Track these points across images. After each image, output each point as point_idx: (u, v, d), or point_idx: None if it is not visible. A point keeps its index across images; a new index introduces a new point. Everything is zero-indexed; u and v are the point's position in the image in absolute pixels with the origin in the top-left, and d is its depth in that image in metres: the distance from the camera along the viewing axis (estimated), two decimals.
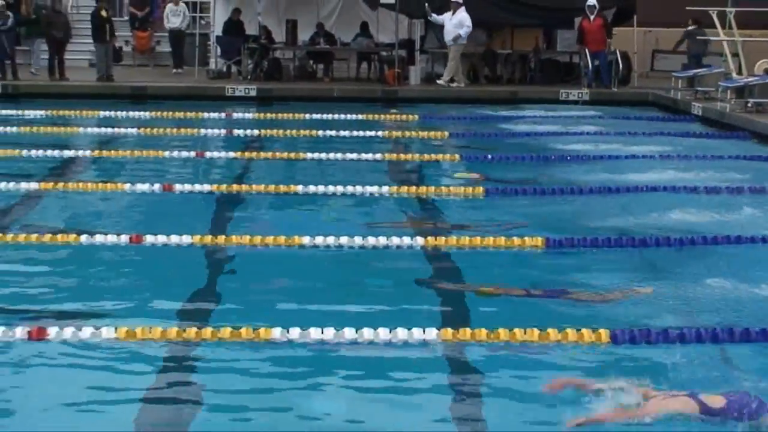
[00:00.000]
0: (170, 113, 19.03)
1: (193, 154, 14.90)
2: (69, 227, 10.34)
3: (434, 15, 22.50)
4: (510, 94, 22.36)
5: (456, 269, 9.14)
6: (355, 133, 16.87)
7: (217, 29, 24.36)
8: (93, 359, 6.78)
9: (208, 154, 14.92)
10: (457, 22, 22.16)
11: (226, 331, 7.07)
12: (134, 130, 17.27)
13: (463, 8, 22.15)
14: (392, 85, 22.44)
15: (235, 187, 12.63)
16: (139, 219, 11.04)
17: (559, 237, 9.95)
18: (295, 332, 7.10)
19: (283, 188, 12.29)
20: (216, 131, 17.41)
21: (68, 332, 7.07)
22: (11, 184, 12.28)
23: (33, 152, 14.64)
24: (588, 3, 22.11)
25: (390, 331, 7.09)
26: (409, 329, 7.12)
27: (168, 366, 6.67)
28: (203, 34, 25.17)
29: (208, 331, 7.13)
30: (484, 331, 7.14)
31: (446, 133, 17.49)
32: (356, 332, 7.10)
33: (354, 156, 14.65)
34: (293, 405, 6.11)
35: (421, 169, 14.14)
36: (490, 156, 15.00)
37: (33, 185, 12.42)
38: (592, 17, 22.21)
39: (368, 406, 6.13)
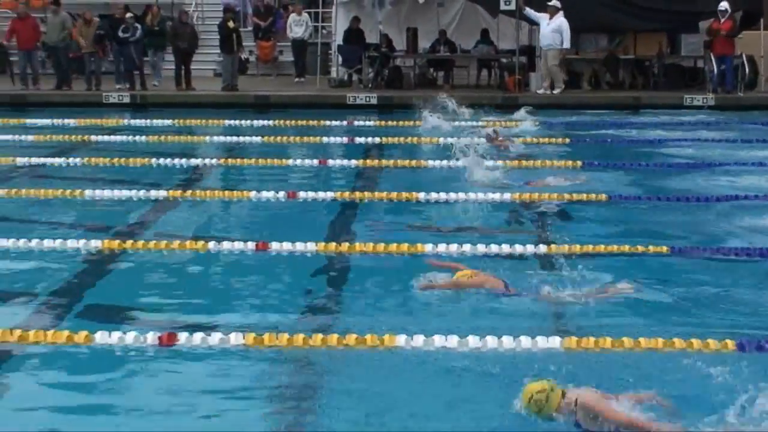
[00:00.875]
0: (293, 122, 19.33)
1: (315, 162, 15.10)
2: (196, 234, 10.60)
3: (529, 10, 22.19)
4: (633, 100, 22.04)
5: (579, 276, 9.05)
6: (475, 140, 16.83)
7: (339, 38, 24.63)
8: (221, 365, 6.93)
9: (330, 162, 15.11)
10: (555, 27, 21.84)
11: (351, 338, 7.15)
12: (258, 139, 17.59)
13: (561, 13, 21.82)
14: (513, 91, 22.34)
15: (357, 194, 12.74)
16: (264, 226, 11.23)
17: (683, 245, 9.80)
18: (419, 340, 7.14)
19: (405, 195, 12.37)
20: (337, 139, 17.60)
21: (197, 338, 7.25)
22: (141, 192, 12.65)
23: (161, 161, 15.06)
24: (720, 7, 21.64)
25: (513, 339, 7.09)
26: (533, 338, 7.10)
27: (294, 371, 6.78)
28: (325, 44, 25.47)
29: (333, 338, 7.21)
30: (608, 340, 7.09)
31: (567, 140, 17.33)
32: (480, 341, 7.10)
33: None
34: (423, 411, 6.14)
35: (542, 176, 14.03)
36: (612, 163, 14.83)
37: (162, 193, 12.76)
38: (722, 20, 21.74)
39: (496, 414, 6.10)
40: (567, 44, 21.97)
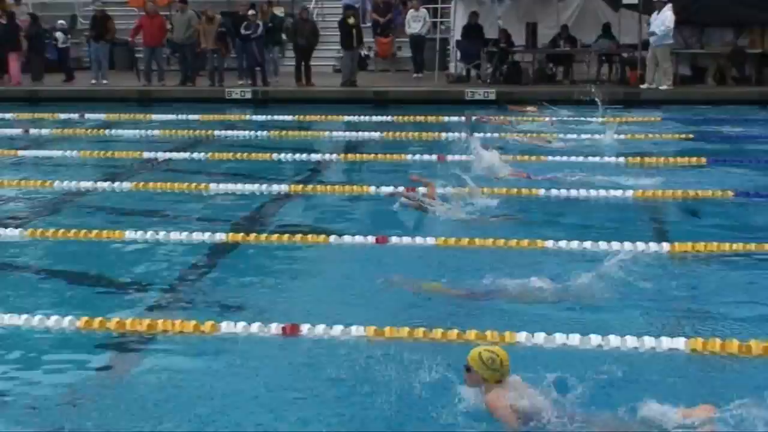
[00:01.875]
0: (411, 117, 19.38)
1: (434, 157, 15.11)
2: (316, 228, 10.74)
3: None
4: (759, 95, 21.43)
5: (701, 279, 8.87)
6: (595, 136, 16.62)
7: (457, 34, 24.59)
8: (342, 357, 7.00)
9: (449, 157, 15.09)
10: (659, 22, 21.32)
11: (471, 334, 7.14)
12: (377, 134, 17.68)
13: (668, 6, 21.21)
14: (635, 86, 21.97)
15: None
16: (383, 220, 11.29)
17: None
18: (539, 337, 7.11)
19: (524, 191, 12.29)
20: (455, 134, 17.58)
21: (320, 330, 7.35)
22: (263, 187, 12.87)
23: (282, 155, 15.29)
24: None
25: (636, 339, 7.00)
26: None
27: (416, 366, 6.78)
28: (443, 39, 25.45)
29: (453, 333, 7.22)
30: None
31: (691, 136, 16.97)
32: (602, 339, 7.04)
33: (596, 159, 14.49)
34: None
35: (666, 173, 13.77)
36: (738, 159, 14.49)
37: (282, 187, 12.95)
38: None
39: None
40: (666, 40, 21.40)
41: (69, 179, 13.38)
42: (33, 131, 18.60)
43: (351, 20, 23.48)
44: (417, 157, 15.18)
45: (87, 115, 20.40)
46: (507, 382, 5.89)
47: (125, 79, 25.24)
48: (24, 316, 7.77)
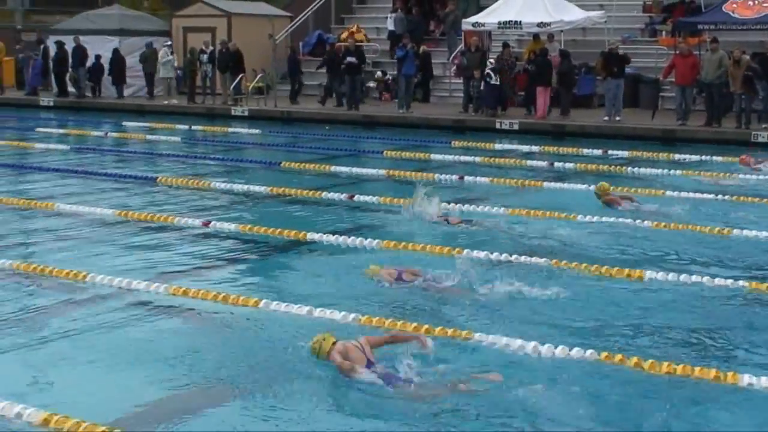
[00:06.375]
0: None
1: None
2: None
3: None
4: None
5: None
6: None
7: None
8: None
9: None
10: None
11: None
12: None
13: None
14: None
15: None
16: None
17: None
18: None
19: None
20: None
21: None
22: None
23: None
24: None
25: None
26: None
27: None
28: None
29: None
30: None
31: None
32: None
33: None
34: None
35: None
36: None
37: None
38: None
39: None
40: None
41: (585, 213, 13.58)
42: (557, 164, 19.22)
43: None
44: None
45: (610, 151, 20.70)
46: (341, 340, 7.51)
47: (639, 116, 25.32)
48: (546, 346, 7.99)
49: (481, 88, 26.17)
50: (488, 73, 25.70)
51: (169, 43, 31.96)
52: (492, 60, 26.45)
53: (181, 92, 32.18)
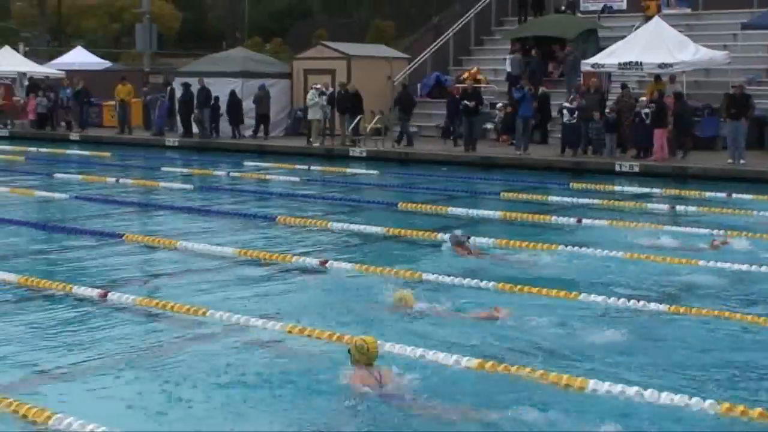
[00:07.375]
0: None
1: None
2: None
3: None
4: None
5: None
6: None
7: None
8: None
9: None
10: None
11: None
12: None
13: None
14: None
15: None
16: None
17: None
18: None
19: None
20: None
21: None
22: None
23: None
24: None
25: None
26: None
27: None
28: None
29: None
30: None
31: None
32: None
33: None
34: None
35: None
36: None
37: None
38: None
39: None
40: None
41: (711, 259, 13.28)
42: (679, 208, 18.85)
43: None
44: None
45: (734, 195, 20.22)
46: (374, 366, 7.80)
47: (765, 158, 24.68)
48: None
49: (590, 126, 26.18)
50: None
51: (318, 85, 31.74)
52: (611, 100, 26.25)
53: (300, 133, 32.67)
